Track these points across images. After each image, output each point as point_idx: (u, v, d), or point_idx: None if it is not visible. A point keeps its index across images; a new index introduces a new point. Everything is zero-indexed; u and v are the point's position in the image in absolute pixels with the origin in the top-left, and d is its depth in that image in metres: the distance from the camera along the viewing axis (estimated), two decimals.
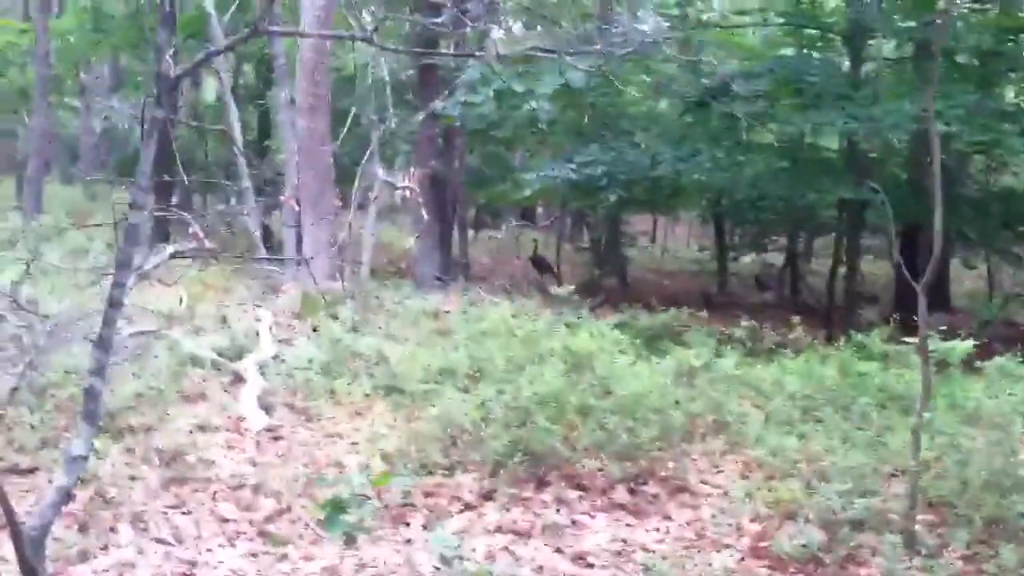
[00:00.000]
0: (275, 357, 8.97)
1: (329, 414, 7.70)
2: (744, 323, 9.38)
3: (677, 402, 6.86)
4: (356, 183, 11.19)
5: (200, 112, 21.08)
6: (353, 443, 7.08)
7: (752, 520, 5.73)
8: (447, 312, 11.28)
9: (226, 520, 5.65)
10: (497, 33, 14.99)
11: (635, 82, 13.23)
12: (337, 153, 13.13)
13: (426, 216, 12.35)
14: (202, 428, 7.20)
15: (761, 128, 12.84)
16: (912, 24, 14.21)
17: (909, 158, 15.97)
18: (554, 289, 9.79)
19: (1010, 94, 17.06)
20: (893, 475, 6.26)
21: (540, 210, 30.34)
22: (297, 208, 11.74)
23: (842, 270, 14.29)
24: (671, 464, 6.56)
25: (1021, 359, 8.66)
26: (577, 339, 7.87)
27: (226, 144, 18.10)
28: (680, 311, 10.52)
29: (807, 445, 6.81)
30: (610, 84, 13.93)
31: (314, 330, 10.60)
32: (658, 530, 5.75)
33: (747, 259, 21.16)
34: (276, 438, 7.19)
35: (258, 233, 13.26)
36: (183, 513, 5.75)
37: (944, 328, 11.14)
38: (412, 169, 13.19)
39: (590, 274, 19.33)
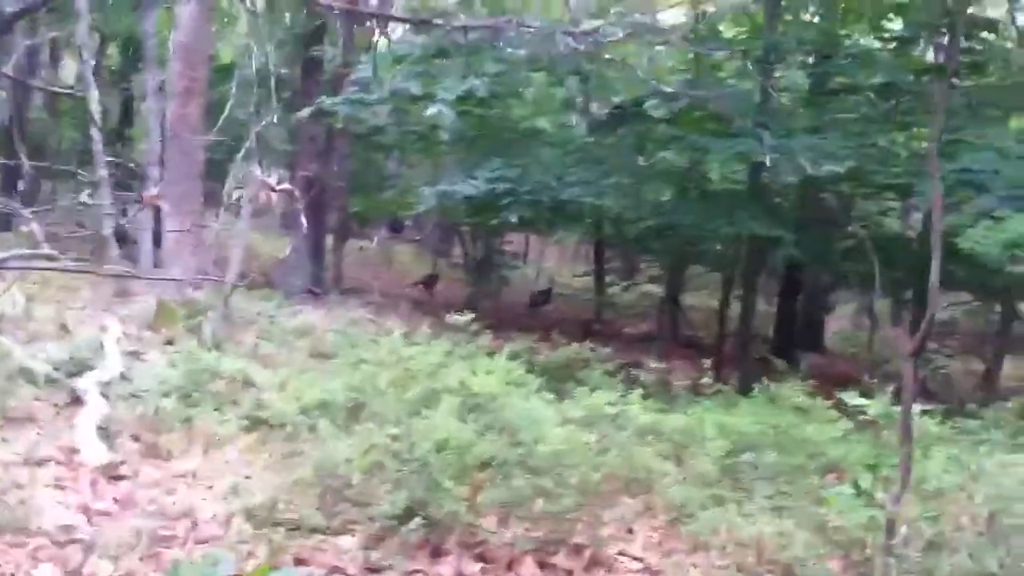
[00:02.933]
0: (122, 376, 7.74)
1: (182, 450, 6.57)
2: (653, 364, 8.63)
3: (603, 454, 6.00)
4: (228, 181, 10.04)
5: (57, 93, 19.37)
6: (209, 487, 5.99)
7: None
8: (323, 332, 10.20)
9: None
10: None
11: (542, 98, 12.50)
12: (208, 147, 11.92)
13: (305, 223, 11.26)
14: (26, 461, 6.01)
15: (674, 152, 12.20)
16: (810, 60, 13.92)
17: (799, 196, 15.69)
18: (449, 317, 8.84)
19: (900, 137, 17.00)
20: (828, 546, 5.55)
21: (408, 222, 29.39)
22: (162, 206, 10.50)
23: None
24: (580, 528, 5.70)
25: (940, 418, 8.18)
26: (477, 376, 6.94)
27: (82, 130, 16.56)
28: (581, 346, 9.71)
29: (731, 513, 6.06)
30: (514, 94, 13.21)
31: (169, 344, 9.41)
32: None
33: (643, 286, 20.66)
34: (116, 477, 6.03)
35: (110, 230, 11.90)
36: None
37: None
38: (280, 170, 12.12)
39: (468, 294, 18.51)
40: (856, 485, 5.95)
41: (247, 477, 6.00)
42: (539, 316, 19.06)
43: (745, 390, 9.49)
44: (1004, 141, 11.24)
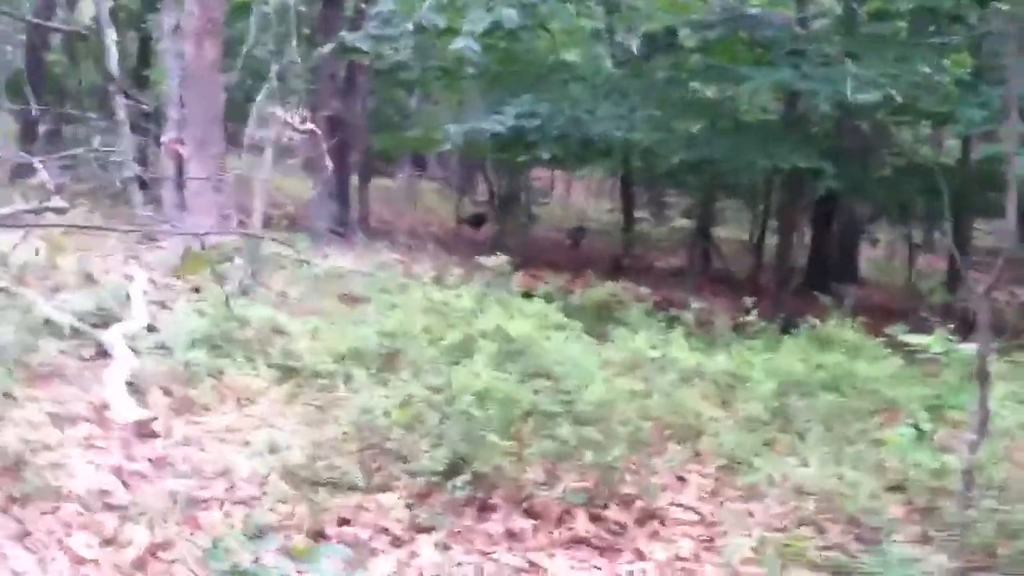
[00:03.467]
0: (148, 328, 7.53)
1: (215, 404, 6.37)
2: (694, 304, 8.33)
3: (647, 398, 5.74)
4: (250, 122, 9.74)
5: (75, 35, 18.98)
6: (244, 443, 5.78)
7: (745, 561, 4.67)
8: (353, 276, 9.96)
9: (82, 561, 4.33)
10: None
11: (570, 29, 12.04)
12: (228, 87, 11.59)
13: (330, 163, 10.96)
14: (54, 419, 5.81)
15: (705, 85, 11.75)
16: None
17: (835, 126, 15.24)
18: (483, 259, 8.58)
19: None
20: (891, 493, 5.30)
21: (431, 159, 29.02)
22: (181, 151, 10.24)
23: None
24: (630, 478, 5.46)
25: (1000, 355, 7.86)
26: (514, 320, 6.69)
27: (102, 72, 16.24)
28: (616, 285, 9.40)
29: (786, 459, 5.84)
30: (540, 26, 12.78)
31: (196, 292, 9.20)
32: (633, 574, 4.66)
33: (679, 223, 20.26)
34: (149, 435, 5.84)
35: (133, 176, 11.66)
36: (26, 548, 4.41)
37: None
38: (302, 110, 11.77)
39: (494, 232, 18.23)
40: (916, 427, 5.69)
41: (282, 432, 5.80)
42: (568, 253, 18.81)
43: (788, 325, 9.21)
44: None
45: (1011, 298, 14.38)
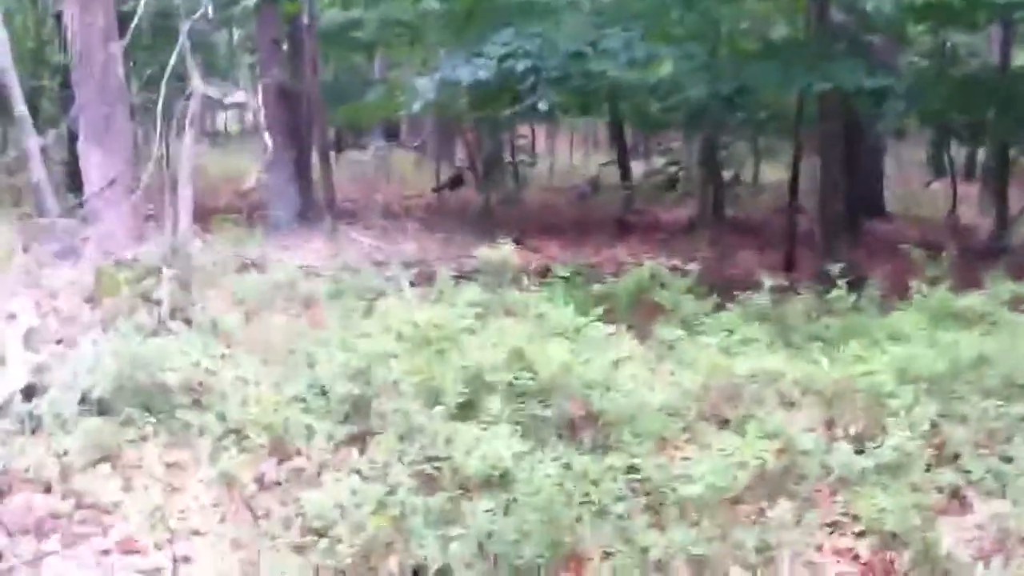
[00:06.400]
0: (26, 391, 5.40)
1: (108, 499, 4.32)
2: (767, 281, 6.21)
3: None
4: (161, 98, 7.57)
5: None
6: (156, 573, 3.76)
7: None
8: (314, 280, 7.83)
9: None
10: None
11: None
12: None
13: (269, 142, 8.85)
14: None
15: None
16: None
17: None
18: (480, 251, 6.50)
19: None
20: None
21: (404, 126, 26.86)
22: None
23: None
24: None
25: None
26: (534, 339, 4.63)
27: None
28: (655, 263, 7.28)
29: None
30: None
31: (114, 320, 7.07)
32: None
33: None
34: None
35: (42, 177, 9.49)
36: None
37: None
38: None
39: (481, 201, 16.14)
40: None
41: (208, 551, 3.77)
42: (567, 216, 16.75)
43: (853, 286, 7.14)
44: None
45: None
